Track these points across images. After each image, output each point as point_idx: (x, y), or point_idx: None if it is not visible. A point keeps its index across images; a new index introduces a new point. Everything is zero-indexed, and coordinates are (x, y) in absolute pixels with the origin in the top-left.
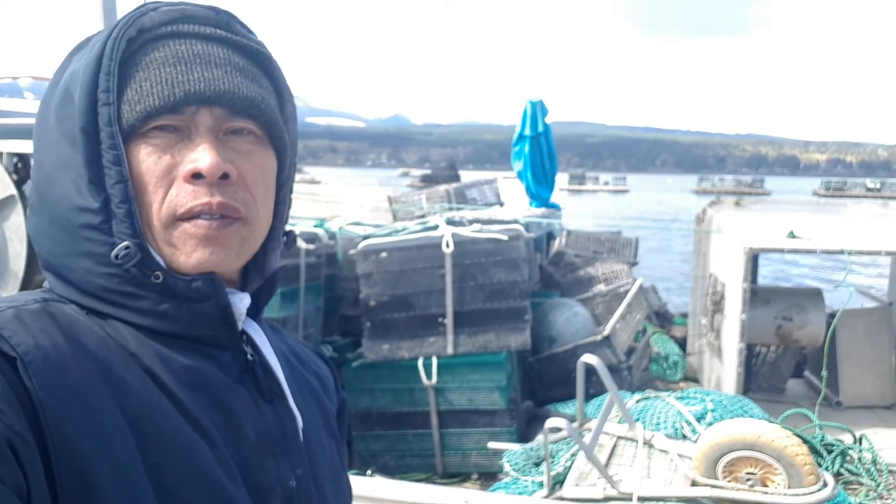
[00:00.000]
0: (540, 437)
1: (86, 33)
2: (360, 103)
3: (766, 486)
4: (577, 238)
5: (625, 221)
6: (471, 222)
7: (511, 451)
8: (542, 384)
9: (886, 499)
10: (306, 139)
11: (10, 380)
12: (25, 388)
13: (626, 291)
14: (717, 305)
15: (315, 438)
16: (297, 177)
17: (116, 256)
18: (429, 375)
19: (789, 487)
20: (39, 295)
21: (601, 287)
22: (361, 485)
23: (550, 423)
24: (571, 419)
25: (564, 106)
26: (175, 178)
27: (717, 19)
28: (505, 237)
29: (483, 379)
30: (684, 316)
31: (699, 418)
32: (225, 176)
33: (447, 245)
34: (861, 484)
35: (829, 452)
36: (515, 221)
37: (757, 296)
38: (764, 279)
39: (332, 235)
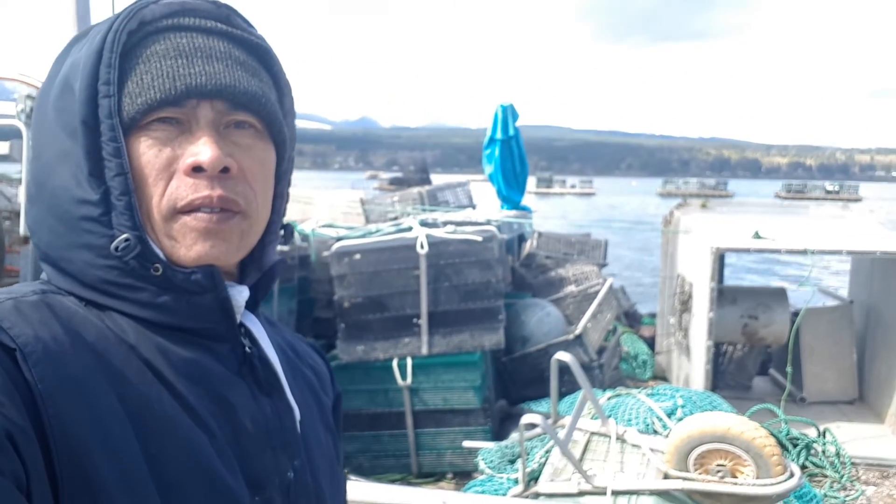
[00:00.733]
0: (514, 435)
1: (57, 35)
2: (326, 106)
3: (736, 477)
4: (547, 240)
5: (593, 224)
6: (444, 224)
7: (486, 449)
8: (516, 383)
9: (850, 490)
10: None
11: (10, 371)
12: (25, 379)
13: (597, 292)
14: (685, 305)
15: (312, 431)
16: None
17: (116, 248)
18: (403, 376)
19: (758, 478)
20: (38, 287)
21: (572, 288)
22: None
23: (526, 419)
24: (546, 416)
25: (531, 110)
26: (175, 171)
27: (681, 25)
28: (479, 238)
29: (458, 379)
30: (653, 316)
31: (669, 414)
32: (225, 169)
33: (421, 246)
34: (825, 476)
35: (795, 446)
36: (489, 223)
37: (723, 295)
38: (726, 281)
39: (304, 237)
